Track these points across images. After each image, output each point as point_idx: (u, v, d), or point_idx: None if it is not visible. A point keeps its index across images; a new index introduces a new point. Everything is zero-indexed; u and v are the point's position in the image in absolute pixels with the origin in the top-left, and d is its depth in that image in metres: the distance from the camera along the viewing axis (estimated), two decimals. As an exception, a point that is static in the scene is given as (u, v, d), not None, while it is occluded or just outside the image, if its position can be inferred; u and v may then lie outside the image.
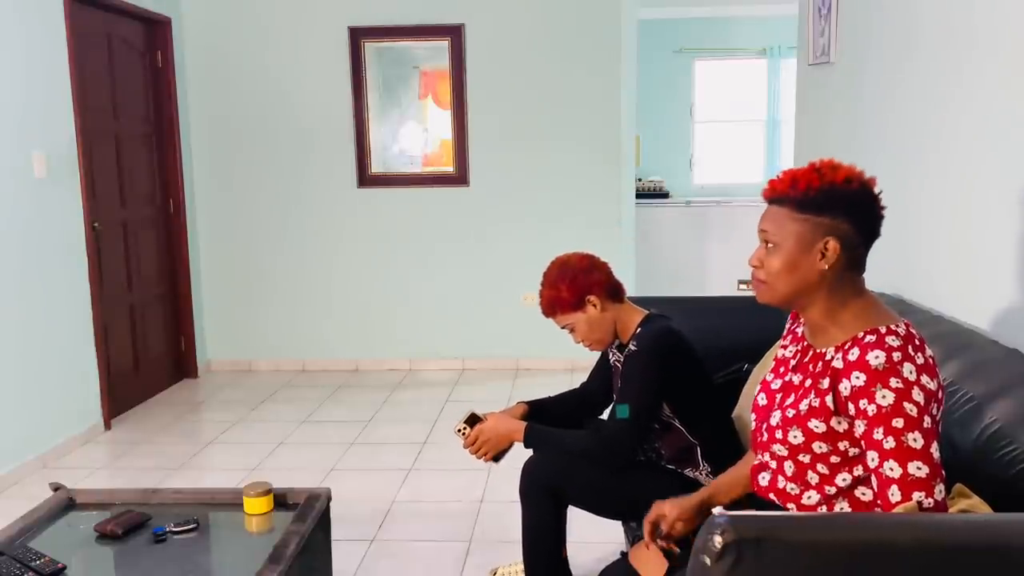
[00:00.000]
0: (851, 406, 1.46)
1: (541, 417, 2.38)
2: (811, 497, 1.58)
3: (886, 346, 1.44)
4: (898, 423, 1.40)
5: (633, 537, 2.13)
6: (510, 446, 2.32)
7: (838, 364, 1.50)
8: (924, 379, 1.42)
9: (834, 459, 1.53)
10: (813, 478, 1.57)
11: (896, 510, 1.42)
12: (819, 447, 1.53)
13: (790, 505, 1.61)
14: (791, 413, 1.57)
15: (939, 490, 1.41)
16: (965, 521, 1.38)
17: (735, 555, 1.16)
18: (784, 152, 7.38)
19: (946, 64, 2.40)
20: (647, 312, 2.29)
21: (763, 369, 2.34)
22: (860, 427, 1.46)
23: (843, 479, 1.54)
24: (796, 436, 1.56)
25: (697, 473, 2.20)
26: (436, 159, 5.31)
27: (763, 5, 6.94)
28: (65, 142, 4.04)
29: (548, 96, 5.15)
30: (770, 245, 1.54)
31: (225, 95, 5.25)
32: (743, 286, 6.67)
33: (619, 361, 2.29)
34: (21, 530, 2.12)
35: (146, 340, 4.88)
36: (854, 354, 1.46)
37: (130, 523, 2.11)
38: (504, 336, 5.34)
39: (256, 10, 5.18)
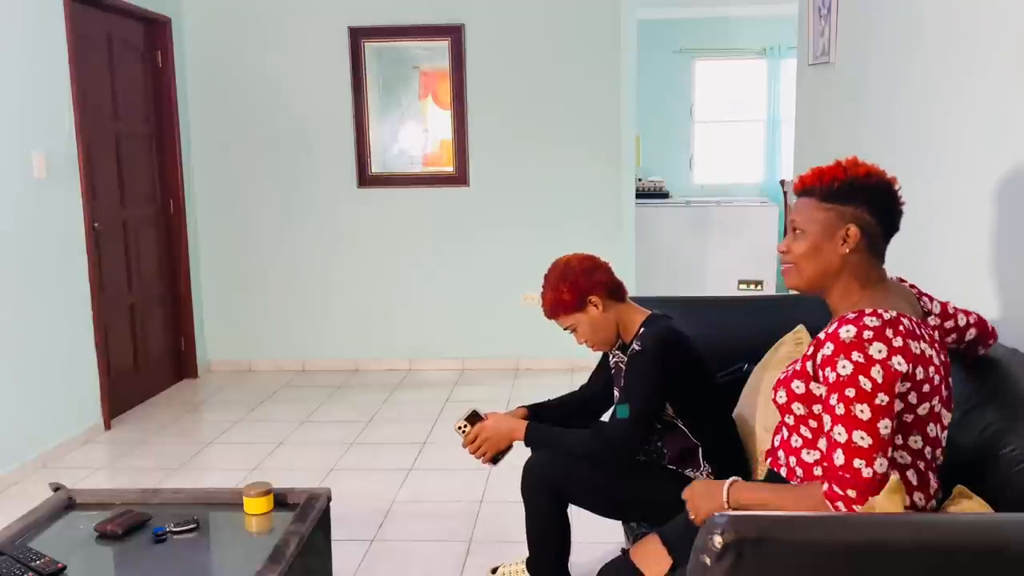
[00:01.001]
0: (821, 374, 1.56)
1: (542, 420, 2.37)
2: (810, 454, 1.66)
3: (861, 324, 1.52)
4: (850, 392, 1.49)
5: (634, 536, 2.13)
6: (509, 448, 2.32)
7: (822, 335, 1.59)
8: (895, 360, 1.49)
9: (812, 423, 1.63)
10: (797, 441, 1.67)
11: (880, 500, 1.46)
12: (797, 408, 1.64)
13: (791, 458, 1.68)
14: (782, 375, 1.69)
15: (880, 463, 1.48)
16: (965, 521, 1.38)
17: (735, 555, 1.16)
18: (784, 152, 7.38)
19: (946, 63, 2.40)
20: (649, 312, 2.29)
21: (763, 369, 2.34)
22: (824, 393, 1.56)
23: (824, 444, 1.63)
24: (782, 396, 1.68)
25: (698, 474, 2.19)
26: (436, 159, 5.31)
27: (763, 5, 6.95)
28: (65, 142, 4.04)
29: (548, 96, 5.15)
30: (798, 232, 1.66)
31: (225, 95, 5.25)
32: (743, 286, 6.68)
33: (621, 361, 2.29)
34: (21, 530, 2.12)
35: (146, 340, 4.88)
36: (832, 327, 1.57)
37: (130, 523, 2.11)
38: (504, 336, 5.33)
39: (256, 10, 5.18)
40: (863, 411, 1.48)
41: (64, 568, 1.92)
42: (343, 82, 5.18)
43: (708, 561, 1.17)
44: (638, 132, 5.85)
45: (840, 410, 1.51)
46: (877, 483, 1.49)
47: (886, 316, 1.54)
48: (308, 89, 5.22)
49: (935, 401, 1.56)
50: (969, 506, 1.54)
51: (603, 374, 2.47)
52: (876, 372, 1.48)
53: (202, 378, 5.32)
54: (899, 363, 1.49)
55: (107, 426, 4.32)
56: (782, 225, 6.83)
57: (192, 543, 2.10)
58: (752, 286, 6.67)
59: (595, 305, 2.24)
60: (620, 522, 2.43)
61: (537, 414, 2.43)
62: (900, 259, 2.60)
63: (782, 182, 7.15)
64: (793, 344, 2.36)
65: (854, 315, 1.55)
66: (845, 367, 1.50)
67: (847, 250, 1.61)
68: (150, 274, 4.95)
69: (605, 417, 2.34)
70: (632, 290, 2.36)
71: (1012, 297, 2.02)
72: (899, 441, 1.56)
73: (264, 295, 5.41)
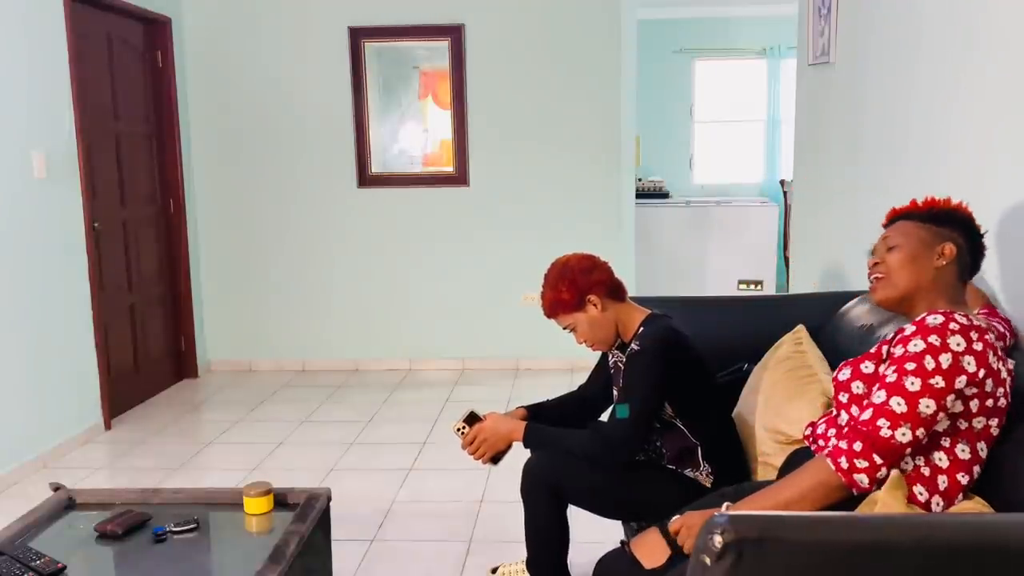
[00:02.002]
0: (891, 351, 1.57)
1: (541, 420, 2.37)
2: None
3: (950, 316, 1.54)
4: (910, 366, 1.51)
5: (634, 534, 2.13)
6: (508, 448, 2.32)
7: (906, 325, 1.61)
8: (966, 359, 1.49)
9: (866, 402, 1.61)
10: (843, 419, 1.67)
11: (882, 494, 1.46)
12: (857, 386, 1.66)
13: (831, 430, 1.69)
14: (852, 357, 1.72)
15: (903, 433, 1.49)
16: (965, 521, 1.38)
17: (735, 555, 1.16)
18: (784, 152, 7.38)
19: (946, 64, 2.40)
20: (649, 311, 2.29)
21: (763, 369, 2.34)
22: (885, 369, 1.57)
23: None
24: (845, 373, 1.70)
25: (697, 473, 2.19)
26: (436, 159, 5.31)
27: (763, 5, 6.95)
28: (65, 142, 4.04)
29: (548, 96, 5.15)
30: (892, 248, 1.69)
31: (225, 95, 5.25)
32: (743, 286, 6.68)
33: (620, 361, 2.29)
34: (21, 530, 2.12)
35: (146, 340, 4.88)
36: (920, 316, 1.59)
37: (130, 523, 2.11)
38: (504, 336, 5.33)
39: (256, 10, 5.18)
40: (913, 383, 1.50)
41: (64, 568, 1.92)
42: (343, 82, 5.18)
43: (708, 561, 1.17)
44: (638, 132, 5.84)
45: (891, 378, 1.52)
46: (890, 448, 1.49)
47: (975, 322, 1.55)
48: (308, 89, 5.22)
49: (994, 423, 1.55)
50: (969, 506, 1.54)
51: (602, 374, 2.47)
52: (945, 359, 1.49)
53: (202, 378, 5.32)
54: (969, 363, 1.49)
55: (107, 426, 4.32)
56: (782, 225, 6.83)
57: (192, 543, 2.09)
58: (752, 286, 6.67)
59: (594, 304, 2.24)
60: (620, 522, 2.43)
61: (536, 414, 2.42)
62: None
63: (782, 182, 7.15)
64: (793, 344, 2.36)
65: (947, 310, 1.57)
66: (917, 345, 1.51)
67: (943, 263, 1.63)
68: (150, 274, 4.95)
69: (604, 416, 2.34)
70: (632, 290, 2.36)
71: (1012, 295, 2.02)
72: (946, 444, 1.55)
73: (264, 295, 5.41)
